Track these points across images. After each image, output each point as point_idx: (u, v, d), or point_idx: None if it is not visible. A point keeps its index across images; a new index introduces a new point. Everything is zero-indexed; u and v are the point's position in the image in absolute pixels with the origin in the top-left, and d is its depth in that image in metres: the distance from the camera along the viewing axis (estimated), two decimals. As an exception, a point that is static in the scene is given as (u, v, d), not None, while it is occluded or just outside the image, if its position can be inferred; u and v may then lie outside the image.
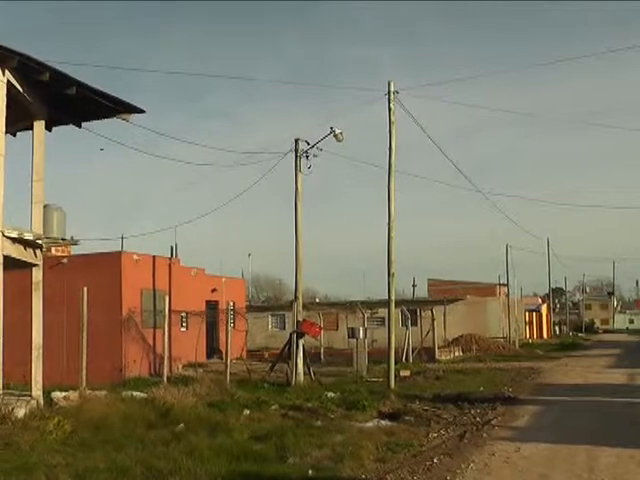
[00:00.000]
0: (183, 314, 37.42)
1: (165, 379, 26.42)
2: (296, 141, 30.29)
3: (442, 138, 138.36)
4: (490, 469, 12.80)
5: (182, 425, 16.53)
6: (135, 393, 21.13)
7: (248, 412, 19.18)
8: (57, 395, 18.99)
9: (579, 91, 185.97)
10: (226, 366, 28.00)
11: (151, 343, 34.39)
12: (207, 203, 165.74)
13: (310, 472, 12.37)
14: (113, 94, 18.37)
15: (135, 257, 35.02)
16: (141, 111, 19.31)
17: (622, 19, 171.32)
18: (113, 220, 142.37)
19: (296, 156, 30.09)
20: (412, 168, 59.32)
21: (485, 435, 16.63)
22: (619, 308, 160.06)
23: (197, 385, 22.79)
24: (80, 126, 20.50)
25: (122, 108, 19.07)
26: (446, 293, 65.51)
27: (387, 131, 28.60)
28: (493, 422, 18.61)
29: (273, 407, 20.49)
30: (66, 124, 20.50)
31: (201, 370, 33.16)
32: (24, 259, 18.36)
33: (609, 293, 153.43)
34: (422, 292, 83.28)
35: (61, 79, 17.37)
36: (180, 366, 34.81)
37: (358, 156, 67.66)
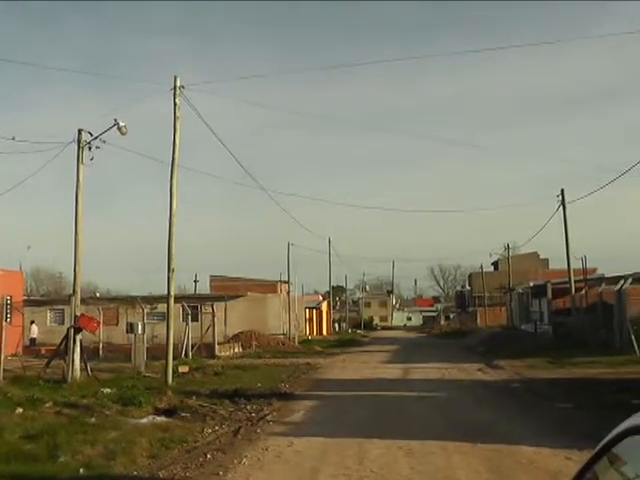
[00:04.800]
0: (-45, 308, 35.91)
1: None
2: (79, 132, 29.53)
3: (235, 135, 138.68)
4: (262, 464, 13.04)
5: (-51, 426, 15.96)
6: None
7: (21, 410, 18.70)
8: None
9: (369, 95, 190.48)
10: (-1, 363, 27.21)
11: None
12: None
13: (81, 471, 12.25)
14: None
15: None
16: None
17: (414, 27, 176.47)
18: None
19: (79, 147, 29.44)
20: (201, 164, 59.28)
21: (259, 431, 16.90)
22: (398, 306, 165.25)
23: (-33, 384, 22.04)
24: None
25: None
26: (228, 290, 65.59)
27: (172, 126, 28.50)
28: (268, 417, 18.94)
29: (47, 404, 20.03)
30: None
31: (-27, 368, 32.00)
32: None
33: (388, 291, 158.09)
34: (204, 288, 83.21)
35: None
36: (-50, 364, 33.40)
37: (146, 150, 66.81)
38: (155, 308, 46.58)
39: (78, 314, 29.40)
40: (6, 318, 31.84)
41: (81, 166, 29.42)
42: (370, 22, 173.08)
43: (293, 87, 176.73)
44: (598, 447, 3.72)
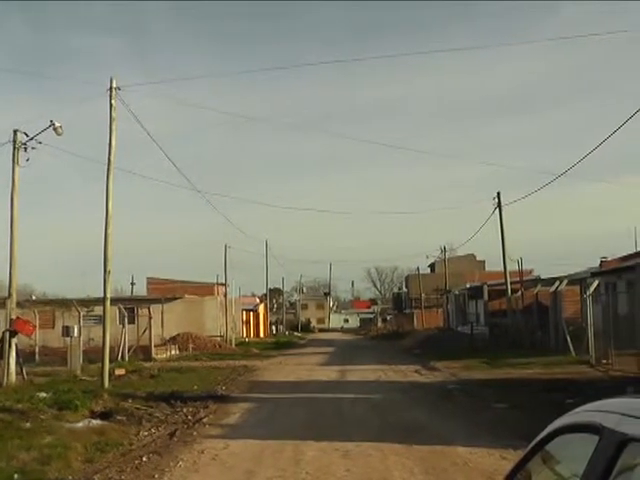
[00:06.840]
0: None
1: None
2: (15, 132, 29.24)
3: (173, 137, 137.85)
4: (198, 466, 13.04)
5: None
6: None
7: (-46, 415, 18.45)
8: None
9: (305, 96, 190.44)
10: None
11: None
12: None
13: (16, 476, 12.12)
14: None
15: None
16: None
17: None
18: None
19: (14, 148, 29.10)
20: (136, 165, 58.81)
21: (195, 433, 16.87)
22: (335, 308, 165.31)
23: None
24: None
25: None
26: (165, 292, 65.14)
27: (108, 127, 28.30)
28: (204, 420, 18.90)
29: (-19, 409, 19.79)
30: None
31: None
32: None
33: (325, 293, 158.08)
34: (141, 290, 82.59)
35: None
36: None
37: (84, 150, 66.14)
38: (91, 311, 46.15)
39: (13, 317, 29.04)
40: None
41: (16, 167, 29.08)
42: (309, 22, 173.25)
43: (230, 88, 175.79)
44: (531, 445, 3.77)
